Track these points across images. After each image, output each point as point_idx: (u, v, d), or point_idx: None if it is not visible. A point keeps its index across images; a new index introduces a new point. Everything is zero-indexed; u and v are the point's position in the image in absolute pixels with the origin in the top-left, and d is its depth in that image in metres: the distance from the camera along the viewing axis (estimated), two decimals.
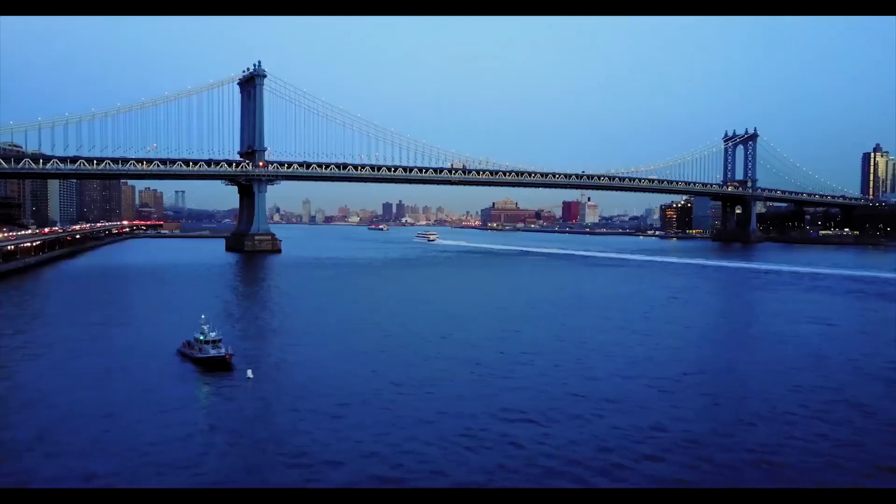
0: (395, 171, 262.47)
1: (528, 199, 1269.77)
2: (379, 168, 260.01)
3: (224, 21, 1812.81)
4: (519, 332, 77.32)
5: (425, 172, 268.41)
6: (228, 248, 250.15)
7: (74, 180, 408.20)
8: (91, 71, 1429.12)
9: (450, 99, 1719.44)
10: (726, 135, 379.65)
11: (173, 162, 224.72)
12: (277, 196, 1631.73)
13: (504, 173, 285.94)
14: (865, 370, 59.41)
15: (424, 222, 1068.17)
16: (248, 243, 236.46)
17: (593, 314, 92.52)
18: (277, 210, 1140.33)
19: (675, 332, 78.90)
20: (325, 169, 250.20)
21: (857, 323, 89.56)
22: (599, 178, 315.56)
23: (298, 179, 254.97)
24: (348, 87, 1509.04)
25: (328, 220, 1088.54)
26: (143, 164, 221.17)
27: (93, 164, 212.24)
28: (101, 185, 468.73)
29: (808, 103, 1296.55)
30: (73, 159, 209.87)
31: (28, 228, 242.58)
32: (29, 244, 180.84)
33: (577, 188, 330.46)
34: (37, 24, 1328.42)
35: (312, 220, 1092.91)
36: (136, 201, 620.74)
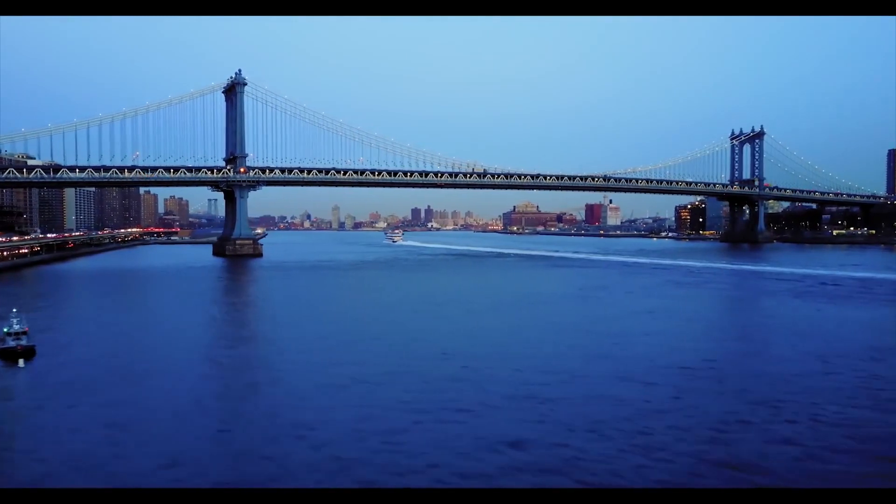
0: (379, 175, 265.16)
1: (551, 202, 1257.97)
2: (363, 172, 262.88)
3: (216, 27, 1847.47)
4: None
5: (410, 176, 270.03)
6: (215, 253, 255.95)
7: (92, 189, 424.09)
8: (76, 80, 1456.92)
9: (452, 107, 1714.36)
10: (733, 133, 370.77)
11: (154, 170, 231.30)
12: (308, 203, 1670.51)
13: (493, 176, 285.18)
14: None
15: (451, 227, 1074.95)
16: (229, 248, 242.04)
17: (458, 311, 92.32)
18: (308, 217, 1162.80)
19: (528, 324, 77.92)
20: (308, 174, 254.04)
21: (742, 321, 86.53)
22: (594, 178, 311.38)
23: (279, 185, 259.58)
24: (352, 99, 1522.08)
25: (357, 225, 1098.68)
26: (125, 172, 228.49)
27: (76, 172, 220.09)
28: (119, 193, 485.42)
29: (832, 102, 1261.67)
30: (56, 168, 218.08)
31: (28, 236, 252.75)
32: (6, 251, 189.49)
33: (569, 189, 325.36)
34: (22, 32, 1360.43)
35: (342, 226, 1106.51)
36: (161, 209, 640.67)
